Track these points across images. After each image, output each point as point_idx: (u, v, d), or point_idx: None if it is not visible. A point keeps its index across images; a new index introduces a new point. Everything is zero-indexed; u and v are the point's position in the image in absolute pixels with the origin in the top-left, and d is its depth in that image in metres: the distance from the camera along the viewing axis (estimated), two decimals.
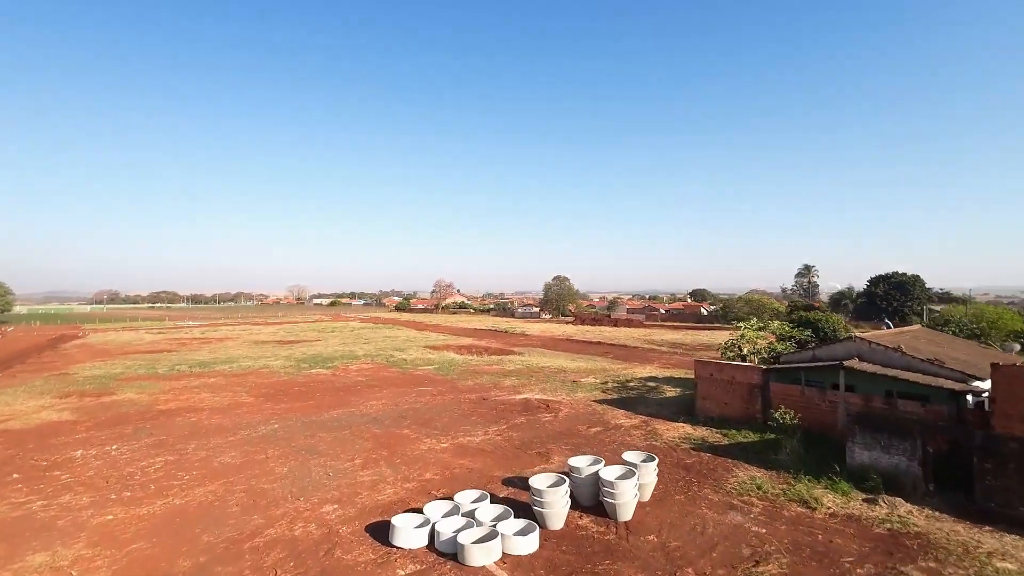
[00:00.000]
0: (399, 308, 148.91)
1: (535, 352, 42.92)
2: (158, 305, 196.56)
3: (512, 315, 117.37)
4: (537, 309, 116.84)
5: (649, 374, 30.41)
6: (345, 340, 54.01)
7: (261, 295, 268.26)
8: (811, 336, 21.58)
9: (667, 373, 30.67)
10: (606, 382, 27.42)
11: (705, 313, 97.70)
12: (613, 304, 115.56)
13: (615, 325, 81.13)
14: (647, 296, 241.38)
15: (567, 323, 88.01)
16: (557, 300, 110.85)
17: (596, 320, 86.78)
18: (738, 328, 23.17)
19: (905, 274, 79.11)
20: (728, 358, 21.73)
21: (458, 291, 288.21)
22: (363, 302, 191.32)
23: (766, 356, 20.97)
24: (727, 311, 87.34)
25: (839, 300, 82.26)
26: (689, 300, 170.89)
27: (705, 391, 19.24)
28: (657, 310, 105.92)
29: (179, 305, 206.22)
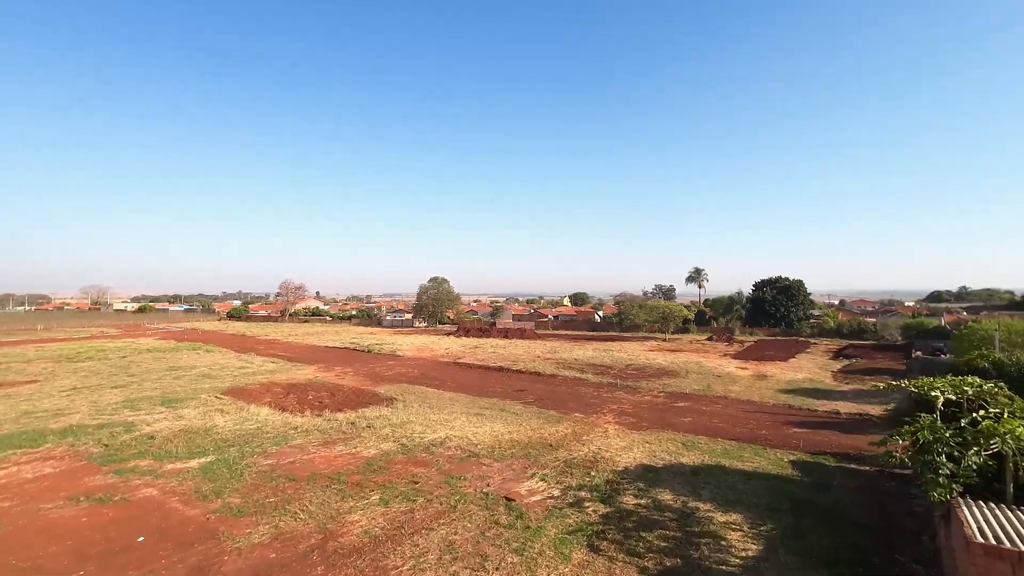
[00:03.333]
0: (233, 316, 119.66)
1: (414, 395, 27.21)
2: None
3: (379, 323, 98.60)
4: (409, 316, 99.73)
5: (629, 454, 16.88)
6: (86, 379, 32.29)
7: (42, 297, 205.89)
8: None
9: (659, 449, 17.45)
10: (576, 499, 13.09)
11: (599, 319, 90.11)
12: (498, 310, 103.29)
13: (506, 336, 68.20)
14: (522, 299, 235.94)
15: (448, 334, 72.88)
16: (434, 305, 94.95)
17: (483, 331, 72.99)
18: (923, 387, 10.17)
19: (789, 278, 78.81)
20: (923, 489, 8.62)
21: (317, 294, 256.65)
22: (185, 307, 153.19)
23: None
24: (623, 317, 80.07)
25: (730, 305, 79.76)
26: (568, 303, 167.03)
27: None
28: (546, 316, 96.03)
29: None
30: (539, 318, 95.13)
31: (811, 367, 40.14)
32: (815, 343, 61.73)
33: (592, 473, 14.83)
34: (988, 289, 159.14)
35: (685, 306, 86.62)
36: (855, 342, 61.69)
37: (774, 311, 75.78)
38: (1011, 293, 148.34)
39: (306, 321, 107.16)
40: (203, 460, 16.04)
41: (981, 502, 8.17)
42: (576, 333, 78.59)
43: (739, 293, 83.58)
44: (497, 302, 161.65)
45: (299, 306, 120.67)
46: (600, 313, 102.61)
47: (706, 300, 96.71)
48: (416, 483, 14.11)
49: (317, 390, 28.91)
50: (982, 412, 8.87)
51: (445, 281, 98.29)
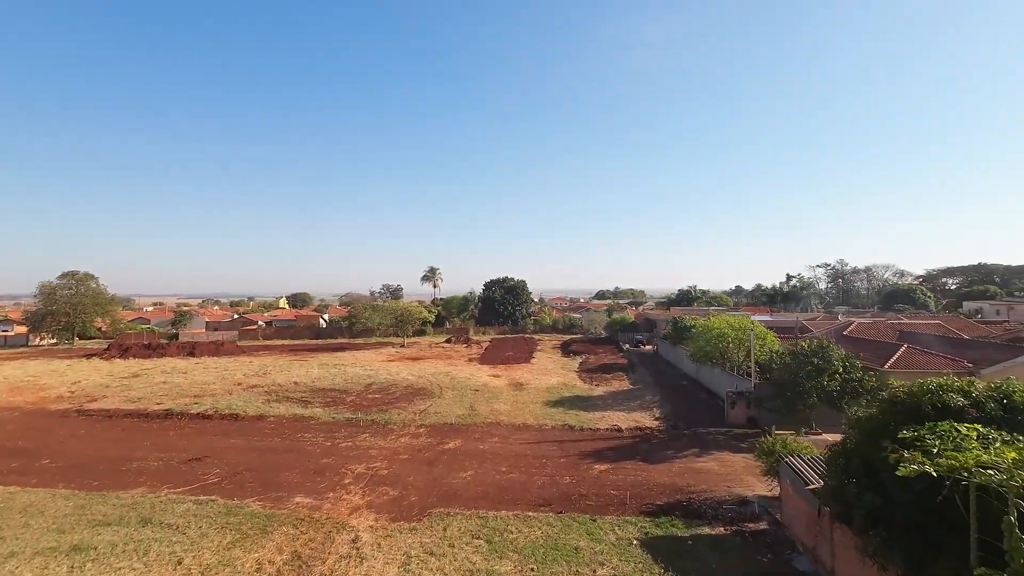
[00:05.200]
0: None
1: None
2: None
3: None
4: (23, 330, 65.79)
5: None
6: None
7: None
8: None
9: (454, 569, 10.06)
10: None
11: (324, 324, 77.12)
12: (183, 317, 78.33)
13: (191, 354, 49.90)
14: (225, 302, 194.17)
15: (93, 355, 48.86)
16: (72, 313, 64.71)
17: (154, 347, 52.03)
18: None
19: (514, 279, 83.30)
20: None
21: None
22: None
23: None
24: (354, 321, 69.86)
25: (464, 305, 79.22)
26: (286, 306, 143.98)
27: None
28: (255, 323, 77.17)
29: None
30: (245, 325, 75.63)
31: (555, 368, 39.81)
32: (540, 339, 65.54)
33: None
34: (632, 289, 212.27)
35: (426, 307, 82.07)
36: (571, 336, 68.31)
37: (503, 309, 78.76)
38: (643, 291, 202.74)
39: None
40: None
41: None
42: (296, 343, 64.46)
43: (471, 293, 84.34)
44: (187, 306, 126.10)
45: None
46: (326, 316, 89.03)
47: (435, 299, 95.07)
48: None
49: None
50: None
51: (91, 278, 67.76)
